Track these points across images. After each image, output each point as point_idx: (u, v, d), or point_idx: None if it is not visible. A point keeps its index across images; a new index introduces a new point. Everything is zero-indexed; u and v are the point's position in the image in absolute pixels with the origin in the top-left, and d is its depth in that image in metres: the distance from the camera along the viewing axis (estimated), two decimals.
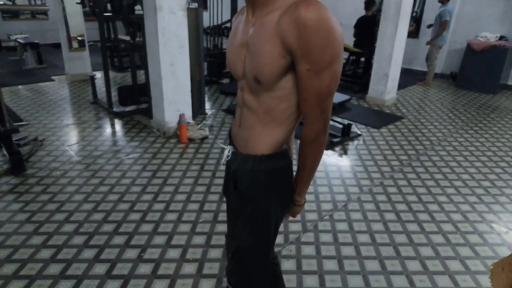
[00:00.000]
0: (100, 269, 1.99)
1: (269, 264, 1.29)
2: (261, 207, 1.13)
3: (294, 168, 1.13)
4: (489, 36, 6.13)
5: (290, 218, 1.32)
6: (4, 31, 7.93)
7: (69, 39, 5.65)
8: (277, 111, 1.00)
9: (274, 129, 1.04)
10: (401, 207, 2.69)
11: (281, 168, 1.10)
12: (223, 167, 1.09)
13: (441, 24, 5.78)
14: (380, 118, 4.67)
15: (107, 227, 2.34)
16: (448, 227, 2.48)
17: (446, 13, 5.73)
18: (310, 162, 1.06)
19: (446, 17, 5.73)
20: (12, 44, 7.52)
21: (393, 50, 4.89)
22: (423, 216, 2.58)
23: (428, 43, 6.08)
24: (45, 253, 2.09)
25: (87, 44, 5.88)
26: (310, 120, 0.97)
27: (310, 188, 2.89)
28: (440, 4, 5.88)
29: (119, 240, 2.23)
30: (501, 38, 6.09)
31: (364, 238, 2.33)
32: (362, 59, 6.63)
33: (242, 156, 1.11)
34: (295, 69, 0.91)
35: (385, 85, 5.10)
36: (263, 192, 1.11)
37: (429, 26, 6.31)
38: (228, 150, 1.19)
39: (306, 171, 1.09)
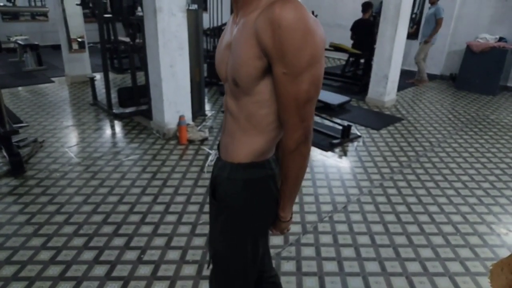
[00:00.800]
0: (99, 270, 1.99)
1: (252, 282, 1.19)
2: (235, 218, 1.05)
3: None
4: (489, 37, 6.14)
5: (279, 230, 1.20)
6: (4, 33, 7.95)
7: (69, 40, 5.65)
8: (257, 118, 0.95)
9: (254, 137, 0.97)
10: (401, 208, 2.69)
11: (260, 179, 1.02)
12: None
13: (437, 22, 5.93)
14: (380, 119, 4.67)
15: (107, 229, 2.34)
16: (448, 228, 2.48)
17: (441, 11, 5.91)
18: (292, 174, 0.98)
19: (441, 14, 5.90)
20: (12, 45, 7.53)
21: (393, 52, 4.89)
22: (423, 218, 2.58)
23: (425, 41, 6.12)
24: (45, 255, 2.09)
25: (87, 46, 5.89)
26: (289, 129, 0.91)
27: (310, 190, 2.89)
28: (429, 5, 6.06)
29: (118, 241, 2.22)
30: (501, 39, 6.10)
31: (364, 239, 2.33)
32: (362, 60, 6.64)
33: (222, 163, 1.06)
34: (272, 72, 0.86)
35: (384, 86, 5.11)
36: (238, 202, 1.03)
37: None
38: (212, 155, 1.16)
39: (288, 184, 1.01)
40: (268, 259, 1.38)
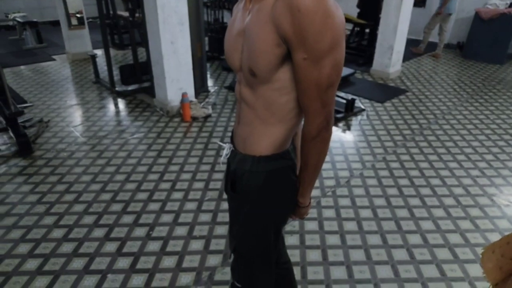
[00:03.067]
0: (110, 247, 2.07)
1: (273, 268, 1.22)
2: (259, 210, 1.07)
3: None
4: (499, 3, 5.93)
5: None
6: (2, 10, 7.81)
7: (68, 16, 5.55)
8: (277, 105, 0.93)
9: (274, 126, 0.96)
10: (403, 182, 2.73)
11: (282, 169, 1.02)
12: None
13: None
14: (384, 92, 4.62)
15: (116, 207, 2.41)
16: (449, 201, 2.51)
17: None
18: (312, 161, 0.98)
19: None
20: (10, 23, 7.42)
21: (398, 21, 4.76)
22: (424, 191, 2.62)
23: (437, 13, 5.90)
24: (58, 233, 2.17)
25: (86, 22, 5.79)
26: (311, 115, 0.90)
27: None
28: None
29: (127, 219, 2.30)
30: (511, 5, 5.89)
31: (366, 213, 2.38)
32: (367, 30, 6.48)
33: (241, 156, 1.05)
34: (292, 58, 0.84)
35: (389, 57, 5.02)
36: (261, 195, 1.04)
37: None
38: (227, 148, 1.13)
39: (308, 171, 1.01)
40: (283, 245, 1.42)
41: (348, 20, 6.26)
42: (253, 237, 1.13)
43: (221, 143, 3.18)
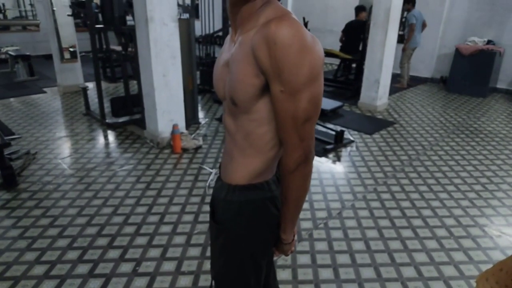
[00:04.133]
0: (94, 284, 1.97)
1: None
2: (233, 241, 1.03)
3: None
4: (477, 40, 6.24)
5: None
6: None
7: (61, 50, 5.63)
8: (255, 136, 0.93)
9: (251, 157, 0.96)
10: (395, 213, 2.71)
11: (257, 200, 0.99)
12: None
13: (410, 28, 6.18)
14: (373, 124, 4.71)
15: (102, 241, 2.33)
16: (441, 232, 2.50)
17: (412, 17, 6.16)
18: (292, 196, 0.95)
19: (412, 20, 6.16)
20: (3, 56, 7.48)
21: (384, 57, 4.95)
22: (416, 222, 2.61)
23: (403, 49, 6.33)
24: (39, 270, 2.07)
25: (79, 55, 5.87)
26: (289, 148, 0.88)
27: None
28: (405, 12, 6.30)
29: (113, 254, 2.21)
30: (489, 42, 6.20)
31: (359, 245, 2.34)
32: (353, 65, 6.70)
33: (220, 184, 1.04)
34: (270, 90, 0.85)
35: (376, 91, 5.16)
36: (235, 225, 1.01)
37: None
38: (213, 174, 1.14)
39: (289, 206, 0.98)
40: (273, 279, 1.36)
41: (334, 55, 6.50)
42: (228, 269, 1.08)
43: (209, 169, 3.13)
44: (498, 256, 2.26)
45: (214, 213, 1.07)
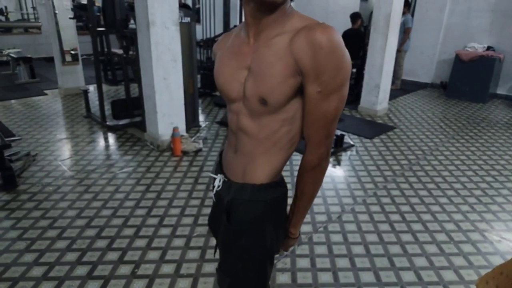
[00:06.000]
0: (93, 286, 1.96)
1: None
2: (257, 240, 1.05)
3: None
4: (477, 46, 6.27)
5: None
6: None
7: (62, 53, 5.65)
8: (279, 135, 0.97)
9: (275, 155, 1.00)
10: (394, 217, 2.71)
11: (279, 197, 1.04)
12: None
13: (405, 31, 6.26)
14: (373, 128, 4.71)
15: (100, 243, 2.32)
16: (441, 236, 2.49)
17: (409, 21, 6.26)
18: (309, 190, 1.01)
19: (409, 24, 6.25)
20: (4, 58, 7.50)
21: (384, 62, 4.97)
22: (416, 226, 2.60)
23: (398, 51, 6.32)
24: (37, 271, 2.06)
25: (80, 58, 5.89)
26: (314, 145, 0.94)
27: None
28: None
29: (112, 256, 2.21)
30: (489, 48, 6.23)
31: (358, 249, 2.34)
32: (354, 70, 6.73)
33: (239, 186, 1.04)
34: (304, 91, 0.90)
35: (376, 95, 5.17)
36: (260, 224, 1.03)
37: None
38: (218, 180, 1.11)
39: (304, 200, 1.03)
40: None
41: None
42: (250, 271, 1.08)
43: (213, 175, 3.13)
44: (498, 261, 2.25)
45: (229, 217, 1.06)
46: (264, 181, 1.01)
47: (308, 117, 0.92)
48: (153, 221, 2.57)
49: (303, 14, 0.93)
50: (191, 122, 4.38)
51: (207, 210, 2.71)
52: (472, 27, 6.54)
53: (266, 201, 1.02)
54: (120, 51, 5.85)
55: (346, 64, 0.87)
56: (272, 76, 0.90)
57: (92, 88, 5.68)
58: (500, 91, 6.46)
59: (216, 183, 1.11)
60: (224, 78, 1.02)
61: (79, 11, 5.91)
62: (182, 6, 4.98)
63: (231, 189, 1.06)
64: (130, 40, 4.33)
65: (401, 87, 6.81)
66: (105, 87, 5.36)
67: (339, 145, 3.90)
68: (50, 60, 6.63)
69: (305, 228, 2.54)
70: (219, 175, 1.11)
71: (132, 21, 4.14)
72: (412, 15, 7.17)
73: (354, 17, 6.25)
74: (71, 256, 2.19)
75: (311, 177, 0.99)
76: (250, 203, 1.03)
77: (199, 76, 5.60)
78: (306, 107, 0.91)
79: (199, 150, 3.79)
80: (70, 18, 5.44)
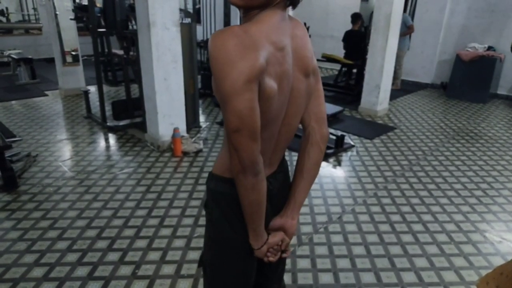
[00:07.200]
0: (93, 287, 1.97)
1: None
2: (212, 226, 1.09)
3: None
4: (478, 46, 6.26)
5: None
6: None
7: (63, 53, 5.65)
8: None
9: (226, 151, 0.97)
10: (395, 218, 2.71)
11: (224, 193, 1.01)
12: None
13: (409, 27, 6.25)
14: (373, 128, 4.71)
15: (101, 244, 2.32)
16: (442, 237, 2.49)
17: (409, 19, 6.25)
18: (241, 201, 0.93)
19: (410, 21, 6.25)
20: (5, 59, 7.50)
21: (384, 62, 4.96)
22: (417, 227, 2.60)
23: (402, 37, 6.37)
24: (38, 272, 2.06)
25: (81, 59, 5.90)
26: (230, 152, 0.89)
27: (305, 200, 2.89)
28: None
29: (113, 256, 2.21)
30: (489, 48, 6.22)
31: (359, 250, 2.34)
32: (354, 70, 6.73)
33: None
34: None
35: (377, 96, 5.17)
36: (210, 211, 1.07)
37: None
38: None
39: (245, 210, 0.95)
40: (272, 272, 1.30)
41: (335, 60, 6.53)
42: (217, 259, 1.12)
43: None
44: (498, 262, 2.24)
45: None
46: (215, 171, 1.05)
47: None
48: (153, 221, 2.57)
49: (253, 22, 0.85)
50: (192, 122, 4.38)
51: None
52: (472, 27, 6.54)
53: (210, 189, 1.06)
54: (121, 52, 5.86)
55: (229, 74, 0.77)
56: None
57: (92, 89, 5.68)
58: (501, 91, 6.46)
59: None
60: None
61: (80, 12, 5.90)
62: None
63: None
64: (130, 41, 4.34)
65: (402, 88, 6.81)
66: (105, 88, 5.36)
67: (340, 146, 3.90)
68: (51, 61, 6.63)
69: (305, 228, 2.54)
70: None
71: (133, 22, 4.15)
72: (412, 15, 7.18)
73: (355, 17, 6.26)
74: (71, 257, 2.19)
75: (237, 187, 0.94)
76: (206, 189, 1.09)
77: (199, 76, 5.60)
78: None
79: (200, 150, 3.79)
80: (71, 19, 5.45)
